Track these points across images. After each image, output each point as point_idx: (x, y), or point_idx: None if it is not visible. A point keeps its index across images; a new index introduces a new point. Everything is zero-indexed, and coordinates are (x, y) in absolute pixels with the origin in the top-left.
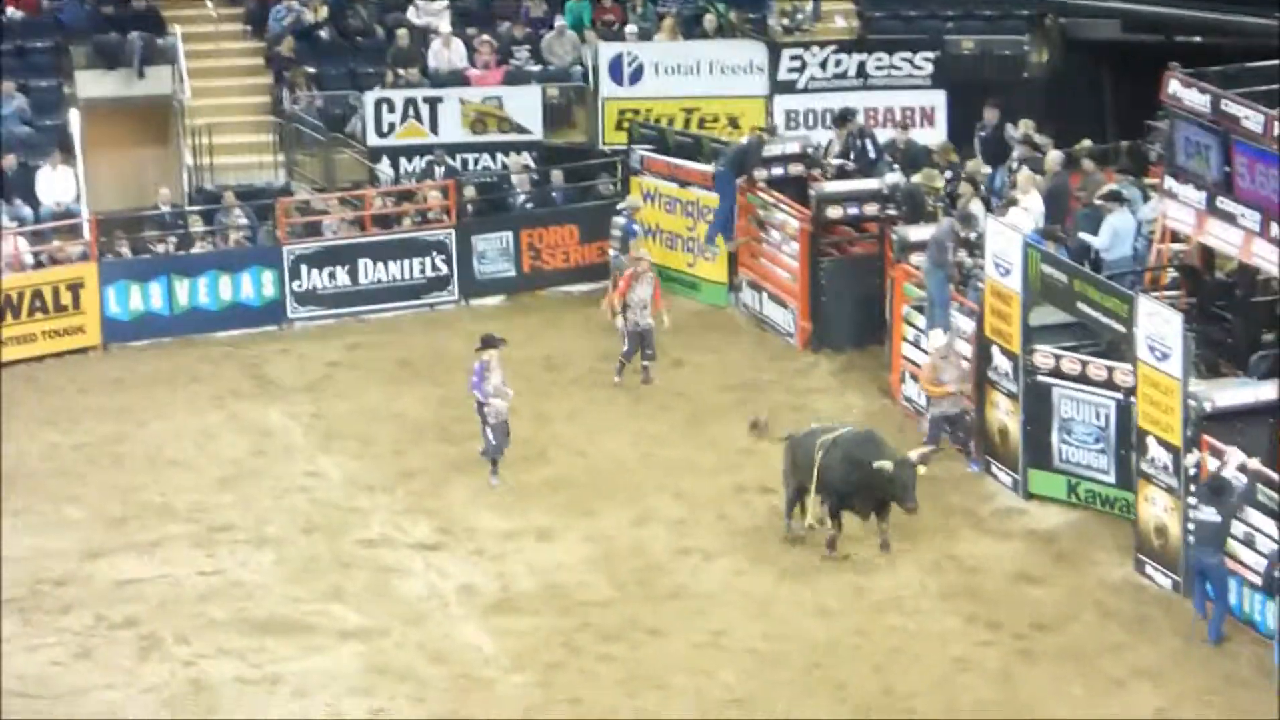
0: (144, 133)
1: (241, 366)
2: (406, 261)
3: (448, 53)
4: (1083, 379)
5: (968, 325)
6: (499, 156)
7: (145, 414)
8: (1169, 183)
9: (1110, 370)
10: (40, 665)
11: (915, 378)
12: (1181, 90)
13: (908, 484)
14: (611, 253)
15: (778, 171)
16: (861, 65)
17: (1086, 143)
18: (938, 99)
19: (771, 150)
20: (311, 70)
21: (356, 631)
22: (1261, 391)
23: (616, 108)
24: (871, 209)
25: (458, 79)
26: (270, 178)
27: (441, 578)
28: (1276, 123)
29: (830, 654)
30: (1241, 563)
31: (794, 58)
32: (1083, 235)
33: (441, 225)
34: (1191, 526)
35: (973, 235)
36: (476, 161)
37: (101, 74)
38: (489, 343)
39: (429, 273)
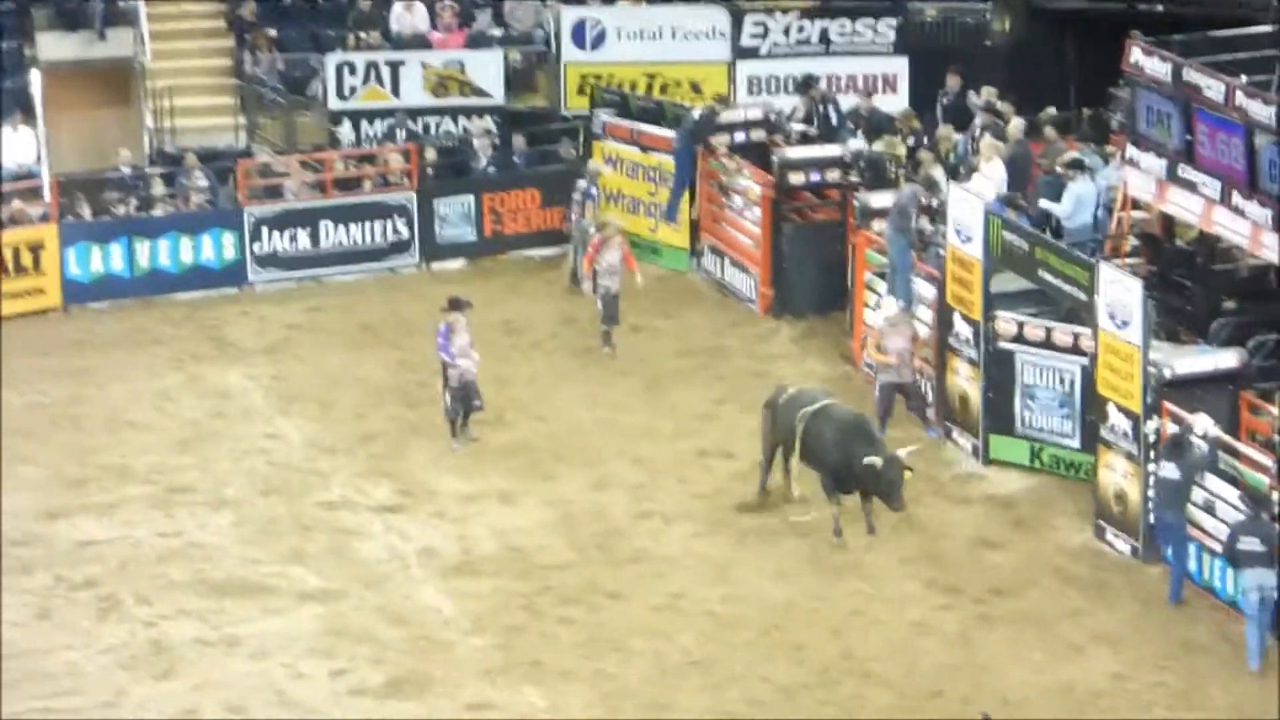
0: (105, 94)
1: (201, 329)
2: (367, 225)
3: (410, 16)
4: (1047, 344)
5: (929, 292)
6: (460, 120)
7: (105, 376)
8: (1130, 151)
9: (1076, 335)
10: None
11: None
12: (1143, 59)
13: (895, 482)
14: (573, 216)
15: (740, 137)
16: (824, 31)
17: (1051, 110)
18: (900, 66)
19: (733, 116)
20: (273, 33)
21: (316, 593)
22: (1221, 359)
23: (579, 72)
24: (834, 175)
25: (420, 42)
26: (231, 140)
27: (401, 540)
28: (1238, 91)
29: (789, 617)
30: (1202, 529)
31: (756, 23)
32: (1043, 203)
33: (403, 189)
34: (1153, 485)
35: (935, 202)
36: (438, 125)
37: (62, 35)
38: (455, 305)
39: (390, 236)
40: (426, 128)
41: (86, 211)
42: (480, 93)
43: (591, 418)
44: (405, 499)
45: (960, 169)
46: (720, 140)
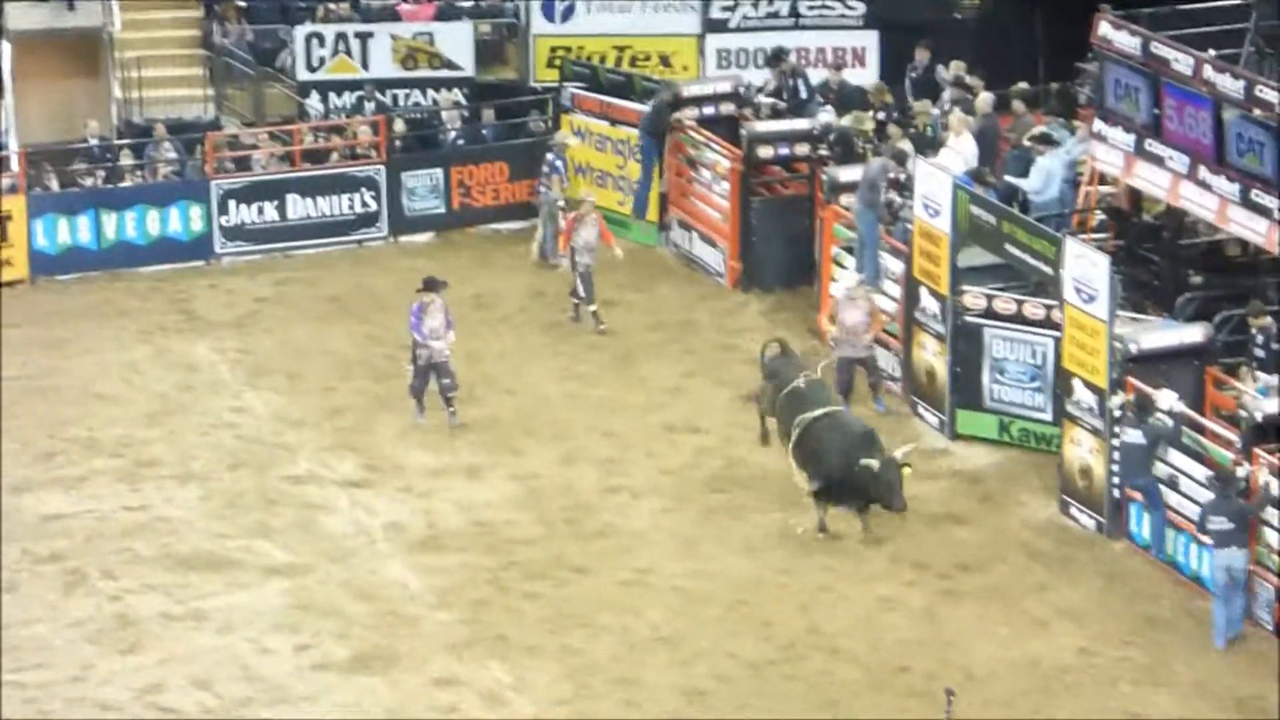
0: (73, 65)
1: (169, 301)
2: (336, 197)
3: None
4: (1018, 319)
5: (896, 266)
6: (430, 93)
7: (72, 348)
8: (1098, 125)
9: (1048, 309)
10: None
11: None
12: (1112, 32)
13: (893, 483)
14: (541, 189)
15: (709, 111)
16: (793, 5)
17: (1022, 85)
18: (869, 39)
19: (702, 90)
20: (242, 4)
21: (282, 568)
22: (1187, 334)
23: (548, 45)
24: (802, 149)
25: (389, 14)
26: (199, 112)
27: (368, 514)
28: (1205, 65)
29: (756, 592)
30: (1167, 505)
31: None
32: (1010, 178)
33: (371, 161)
34: (1117, 451)
35: (903, 176)
36: (407, 97)
37: (31, 6)
38: (429, 285)
39: (358, 209)
40: (395, 100)
41: (54, 183)
42: (449, 65)
43: (560, 392)
44: (372, 473)
45: (935, 143)
46: (689, 114)
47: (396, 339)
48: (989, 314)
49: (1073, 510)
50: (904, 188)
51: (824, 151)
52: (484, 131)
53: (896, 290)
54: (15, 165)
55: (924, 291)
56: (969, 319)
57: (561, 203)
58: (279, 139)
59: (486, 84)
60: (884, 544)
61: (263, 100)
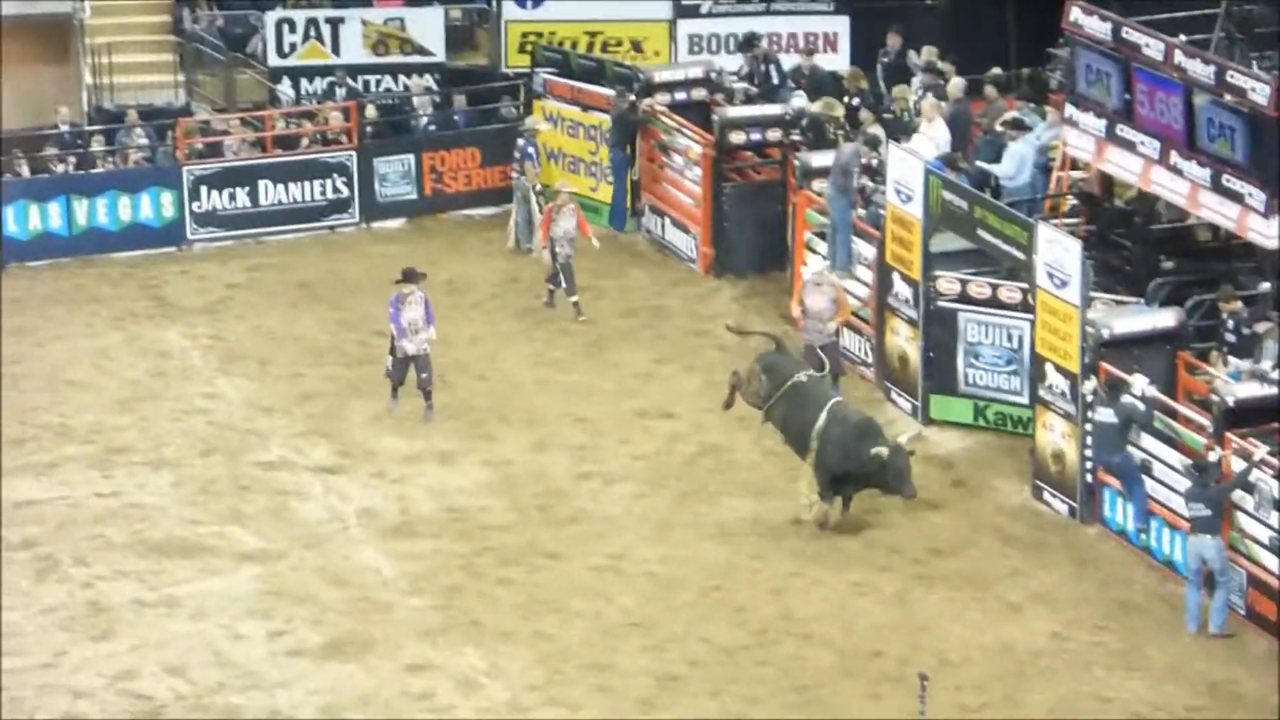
0: (43, 51)
1: (140, 287)
2: (307, 183)
3: None
4: (993, 302)
5: (869, 252)
6: (401, 78)
7: (43, 334)
8: (1069, 110)
9: (1024, 292)
10: None
11: None
12: (1083, 17)
13: (903, 470)
14: (514, 174)
15: (680, 96)
16: None
17: (995, 70)
18: (841, 25)
19: (674, 75)
20: None
21: (255, 554)
22: (1160, 319)
23: (519, 30)
24: (775, 135)
25: (360, 0)
26: (170, 98)
27: (341, 501)
28: (1176, 50)
29: (729, 577)
30: (1153, 498)
31: None
32: (982, 164)
33: (343, 147)
34: (1091, 431)
35: (875, 161)
36: (378, 83)
37: None
38: (408, 277)
39: (330, 195)
40: (367, 86)
41: (25, 169)
42: (421, 50)
43: (532, 378)
44: (344, 459)
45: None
46: (660, 100)
47: (368, 324)
48: (963, 298)
49: (1045, 495)
50: (876, 173)
51: (796, 137)
52: (456, 117)
53: (869, 275)
54: None
55: (896, 277)
56: (943, 303)
57: (538, 187)
58: (250, 125)
59: (458, 70)
60: (857, 529)
61: (234, 86)
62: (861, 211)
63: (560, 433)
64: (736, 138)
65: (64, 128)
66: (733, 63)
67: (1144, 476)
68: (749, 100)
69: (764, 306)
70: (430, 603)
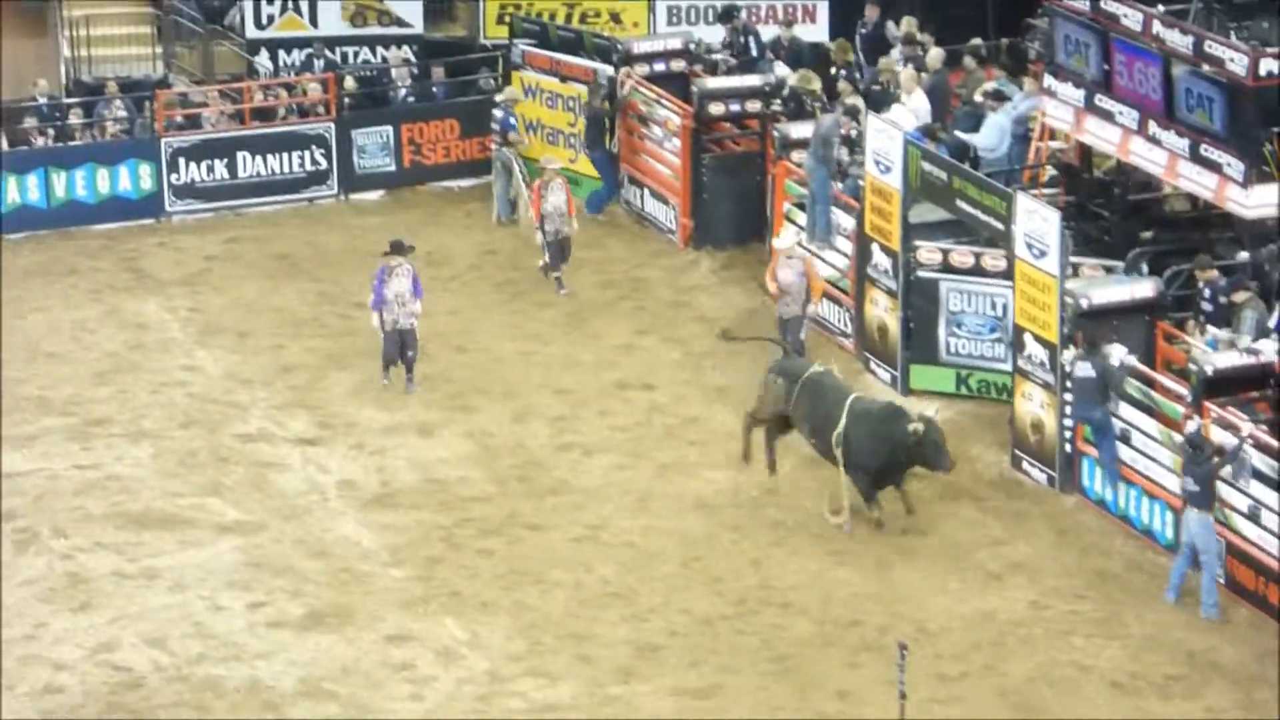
0: (21, 24)
1: (119, 260)
2: (285, 155)
3: None
4: (976, 271)
5: (848, 223)
6: (379, 50)
7: (22, 307)
8: (1048, 81)
9: (1009, 260)
10: None
11: None
12: None
13: (939, 443)
14: (493, 146)
15: (659, 68)
16: None
17: (976, 41)
18: None
19: (653, 47)
20: None
21: (234, 526)
22: (1138, 289)
23: (498, 2)
24: (754, 106)
25: None
26: (148, 70)
27: (320, 472)
28: (1155, 21)
29: (708, 548)
30: (1122, 461)
31: None
32: (961, 134)
33: (321, 119)
34: (1071, 387)
35: (853, 132)
36: (356, 55)
37: None
38: (396, 249)
39: (308, 167)
40: (345, 58)
41: (3, 142)
42: (399, 22)
43: (512, 349)
44: (324, 431)
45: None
46: (639, 71)
47: (346, 296)
48: (945, 268)
49: (1025, 464)
50: (855, 144)
51: (777, 107)
52: (434, 89)
53: (848, 246)
54: None
55: (875, 247)
56: (924, 273)
57: (516, 161)
58: (229, 97)
59: (436, 41)
60: (836, 500)
61: (212, 58)
62: (840, 185)
63: (540, 404)
64: (715, 109)
65: (42, 100)
66: (711, 34)
67: (1120, 443)
68: (728, 71)
69: (743, 278)
70: (410, 573)
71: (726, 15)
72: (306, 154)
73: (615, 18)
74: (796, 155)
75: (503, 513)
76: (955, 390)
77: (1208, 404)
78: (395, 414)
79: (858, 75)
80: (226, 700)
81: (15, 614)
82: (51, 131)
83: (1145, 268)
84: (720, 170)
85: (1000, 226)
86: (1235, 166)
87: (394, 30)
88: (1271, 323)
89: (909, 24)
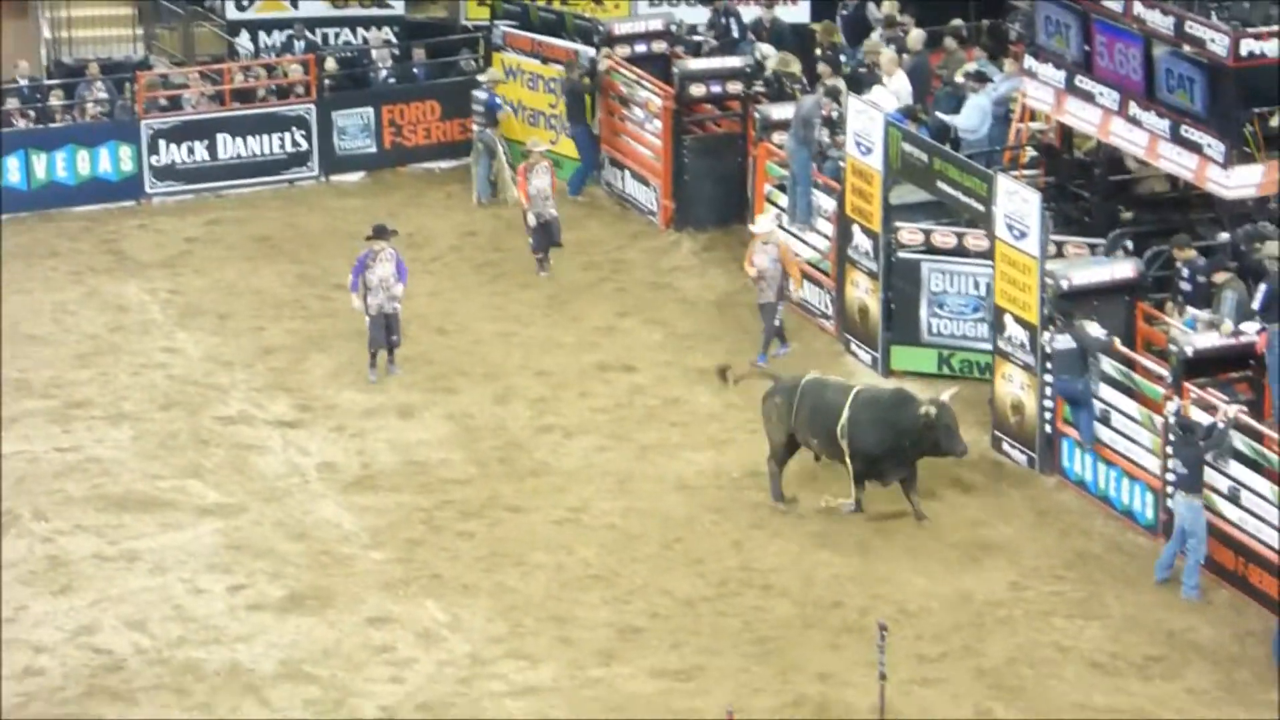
0: (1, 6)
1: (99, 242)
2: (266, 137)
3: None
4: (959, 251)
5: (829, 204)
6: (360, 31)
7: (3, 289)
8: (1029, 62)
9: (992, 240)
10: None
11: None
12: None
13: (951, 426)
14: (475, 127)
15: (640, 49)
16: None
17: (957, 22)
18: None
19: (634, 28)
20: None
21: (215, 508)
22: (1118, 269)
23: None
24: (735, 87)
25: None
26: (129, 51)
27: (301, 454)
28: (1135, 2)
29: (689, 530)
30: (1101, 441)
31: None
32: (942, 115)
33: (301, 100)
34: (1051, 359)
35: (834, 113)
36: (337, 36)
37: None
38: (379, 233)
39: (289, 148)
40: (325, 39)
41: None
42: (380, 3)
43: (493, 331)
44: (304, 413)
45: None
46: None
47: (327, 278)
48: (927, 248)
49: (1004, 445)
50: (836, 126)
51: (760, 88)
52: (415, 70)
53: (829, 228)
54: None
55: (856, 229)
56: (905, 254)
57: (499, 143)
58: (209, 78)
59: (417, 22)
60: (817, 482)
61: (192, 39)
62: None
63: (521, 386)
64: (696, 90)
65: (22, 82)
66: (692, 15)
67: (1100, 424)
68: (710, 53)
69: (725, 260)
70: (391, 555)
71: None
72: (287, 135)
73: None
74: (778, 137)
75: (483, 495)
76: (937, 370)
77: (1188, 385)
78: (375, 396)
79: (843, 57)
80: (207, 683)
81: None
82: (32, 113)
83: (1130, 246)
84: (701, 152)
85: (981, 208)
86: (1215, 147)
87: (375, 11)
88: (1255, 304)
89: (890, 5)
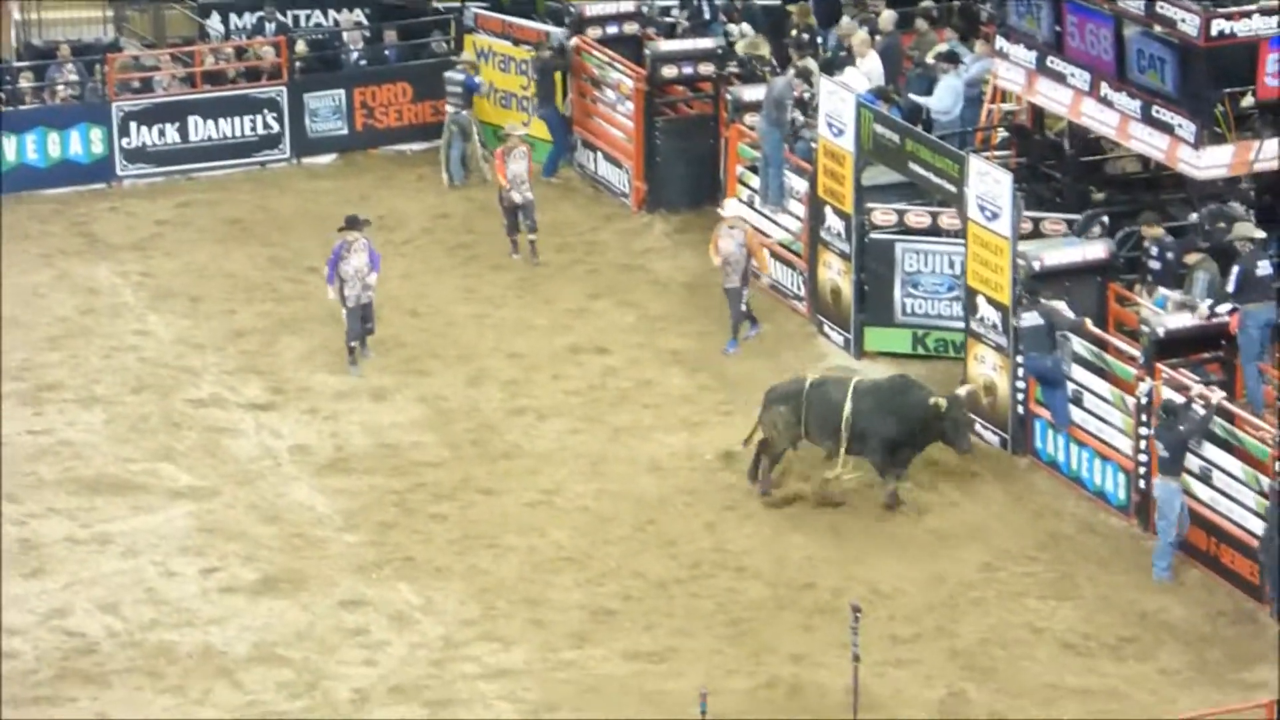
0: None
1: (70, 224)
2: (237, 119)
3: None
4: (933, 231)
5: (801, 186)
6: (331, 13)
7: None
8: (1000, 43)
9: (965, 219)
10: None
11: None
12: None
13: (960, 421)
14: (449, 109)
15: (612, 30)
16: None
17: (928, 3)
18: None
19: (605, 9)
20: None
21: (187, 491)
22: (1090, 250)
23: None
24: (707, 69)
25: None
26: (99, 34)
27: (273, 437)
28: None
29: (662, 512)
30: (1074, 423)
31: None
32: (914, 96)
33: (273, 83)
34: (1020, 337)
35: (806, 95)
36: (308, 18)
37: None
38: (351, 224)
39: (260, 130)
40: (296, 20)
41: None
42: None
43: (465, 313)
44: (277, 396)
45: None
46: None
47: (300, 261)
48: (900, 229)
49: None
50: (808, 107)
51: (733, 69)
52: (386, 52)
53: (801, 209)
54: None
55: (829, 210)
56: (879, 235)
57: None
58: (180, 60)
59: (388, 4)
60: (789, 464)
61: (163, 22)
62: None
63: (493, 368)
64: (668, 72)
65: None
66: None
67: (1073, 405)
68: (682, 34)
69: (697, 242)
70: (364, 538)
71: None
72: (258, 117)
73: None
74: (749, 118)
75: (456, 477)
76: (911, 350)
77: (1159, 365)
78: (348, 379)
79: (819, 40)
80: (179, 665)
81: None
82: (2, 95)
83: (1106, 223)
84: (673, 133)
85: (952, 189)
86: (1187, 128)
87: None
88: (1230, 286)
89: None
